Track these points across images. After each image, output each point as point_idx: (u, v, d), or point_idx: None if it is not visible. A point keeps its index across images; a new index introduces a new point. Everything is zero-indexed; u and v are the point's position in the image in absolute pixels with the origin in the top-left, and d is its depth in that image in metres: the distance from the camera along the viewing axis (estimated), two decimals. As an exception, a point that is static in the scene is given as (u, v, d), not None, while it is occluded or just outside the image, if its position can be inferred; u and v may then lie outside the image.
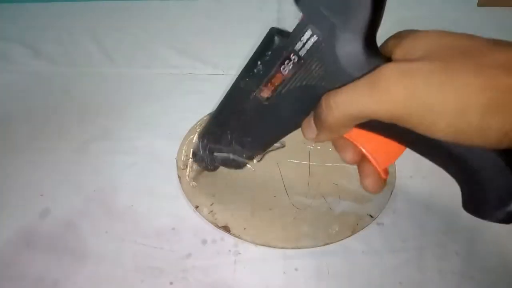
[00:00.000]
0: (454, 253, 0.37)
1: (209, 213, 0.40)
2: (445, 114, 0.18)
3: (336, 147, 0.27)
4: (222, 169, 0.45)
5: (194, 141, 0.40)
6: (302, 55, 0.24)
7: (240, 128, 0.31)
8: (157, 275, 0.36)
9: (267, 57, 0.26)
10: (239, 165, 0.36)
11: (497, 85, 0.18)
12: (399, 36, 0.23)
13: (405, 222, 0.40)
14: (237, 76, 0.29)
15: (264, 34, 0.26)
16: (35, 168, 0.45)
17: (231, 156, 0.34)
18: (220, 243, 0.38)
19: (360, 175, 0.26)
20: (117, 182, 0.44)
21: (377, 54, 0.23)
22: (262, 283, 0.36)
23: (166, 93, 0.55)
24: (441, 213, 0.40)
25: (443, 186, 0.41)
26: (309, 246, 0.37)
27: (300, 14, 0.23)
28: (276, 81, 0.26)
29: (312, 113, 0.25)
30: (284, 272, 0.36)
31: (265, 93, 0.27)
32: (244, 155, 0.34)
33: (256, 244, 0.38)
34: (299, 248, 0.37)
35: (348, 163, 0.27)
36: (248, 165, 0.36)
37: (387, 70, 0.20)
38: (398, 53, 0.22)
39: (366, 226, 0.39)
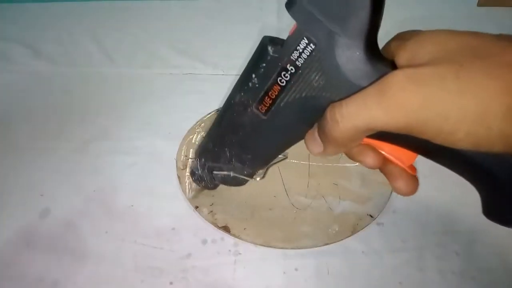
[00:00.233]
0: (454, 253, 0.37)
1: (209, 213, 0.40)
2: (464, 121, 0.17)
3: (350, 155, 0.25)
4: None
5: (187, 159, 0.39)
6: (300, 65, 0.22)
7: (239, 144, 0.30)
8: (157, 275, 0.36)
9: (262, 69, 0.24)
10: (240, 183, 0.34)
11: None
12: (402, 38, 0.22)
13: (405, 222, 0.40)
14: (232, 89, 0.28)
15: (264, 34, 0.25)
16: (35, 168, 0.45)
17: (232, 174, 0.33)
18: (220, 243, 0.38)
19: (389, 180, 0.24)
20: (117, 182, 0.44)
21: (380, 59, 0.21)
22: (262, 283, 0.36)
23: (166, 93, 0.55)
24: (441, 213, 0.40)
25: (443, 186, 0.41)
26: (309, 246, 0.37)
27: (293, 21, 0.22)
28: (274, 93, 0.24)
29: (316, 126, 0.24)
30: (284, 272, 0.36)
31: (263, 107, 0.25)
32: (245, 172, 0.33)
33: (256, 244, 0.38)
34: (299, 248, 0.37)
35: (370, 167, 0.24)
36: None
37: (396, 78, 0.18)
38: (402, 56, 0.21)
39: (366, 226, 0.39)
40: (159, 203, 0.42)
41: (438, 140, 0.18)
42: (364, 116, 0.19)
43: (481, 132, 0.17)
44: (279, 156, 0.32)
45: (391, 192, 0.42)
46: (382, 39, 0.23)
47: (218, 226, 0.39)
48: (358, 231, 0.38)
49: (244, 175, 0.33)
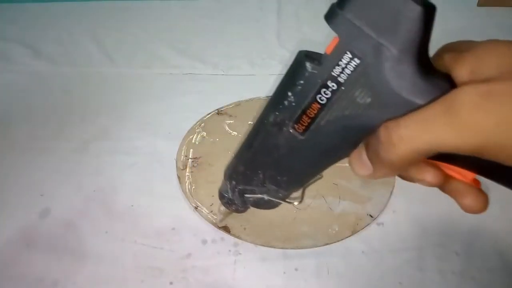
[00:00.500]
0: (454, 253, 0.37)
1: (209, 213, 0.40)
2: None
3: (406, 176, 0.22)
4: (220, 168, 0.45)
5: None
6: (342, 81, 0.21)
7: (274, 166, 0.28)
8: (157, 275, 0.36)
9: (299, 87, 0.22)
10: (274, 206, 0.32)
11: None
12: (455, 49, 0.20)
13: (405, 222, 0.40)
14: (263, 109, 0.26)
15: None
16: (35, 168, 0.45)
17: (266, 197, 0.31)
18: (220, 243, 0.38)
19: (455, 198, 0.22)
20: (117, 182, 0.44)
21: (434, 73, 0.20)
22: (262, 283, 0.36)
23: (166, 93, 0.55)
24: (441, 213, 0.40)
25: (443, 186, 0.41)
26: (309, 246, 0.37)
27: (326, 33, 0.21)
28: (312, 112, 0.22)
29: (362, 146, 0.22)
30: (284, 272, 0.36)
31: (300, 126, 0.24)
32: (279, 195, 0.30)
33: (256, 244, 0.38)
34: (299, 248, 0.37)
35: (431, 185, 0.22)
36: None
37: (467, 95, 0.17)
38: (461, 70, 0.19)
39: (366, 226, 0.39)
40: (159, 203, 0.42)
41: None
42: (428, 138, 0.18)
43: None
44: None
45: (391, 192, 0.42)
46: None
47: (218, 226, 0.39)
48: (358, 231, 0.38)
49: (279, 198, 0.31)
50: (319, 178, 0.30)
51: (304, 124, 0.23)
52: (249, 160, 0.29)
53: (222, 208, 0.36)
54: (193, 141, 0.48)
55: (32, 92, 0.56)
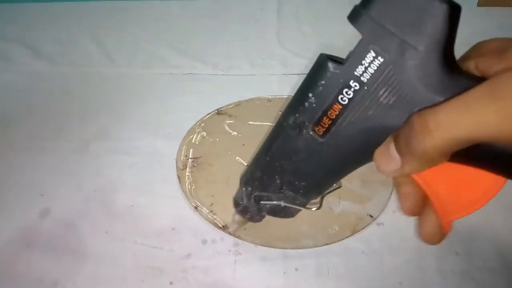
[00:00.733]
0: (454, 253, 0.37)
1: (209, 213, 0.40)
2: None
3: (398, 189, 0.22)
4: (220, 168, 0.45)
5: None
6: (365, 80, 0.20)
7: (292, 171, 0.27)
8: (157, 275, 0.36)
9: (321, 87, 0.22)
10: (291, 213, 0.32)
11: None
12: (492, 51, 0.20)
13: (405, 222, 0.40)
14: (282, 112, 0.26)
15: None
16: (35, 168, 0.45)
17: (283, 204, 0.30)
18: (220, 243, 0.38)
19: (420, 223, 0.23)
20: (117, 182, 0.44)
21: (460, 71, 0.20)
22: (262, 283, 0.36)
23: (166, 93, 0.55)
24: (441, 213, 0.40)
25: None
26: (309, 246, 0.37)
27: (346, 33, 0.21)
28: (334, 113, 0.22)
29: (388, 141, 0.21)
30: (284, 272, 0.36)
31: (320, 128, 0.23)
32: (297, 202, 0.30)
33: (256, 244, 0.38)
34: (299, 248, 0.37)
35: (404, 212, 0.22)
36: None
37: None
38: (500, 67, 0.18)
39: (366, 226, 0.39)
40: (159, 203, 0.42)
41: None
42: (469, 123, 0.17)
43: None
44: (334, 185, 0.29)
45: (391, 192, 0.42)
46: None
47: (218, 226, 0.39)
48: (358, 231, 0.38)
49: (297, 205, 0.30)
50: (338, 187, 0.30)
51: (325, 126, 0.23)
52: (267, 165, 0.28)
53: (237, 216, 0.35)
54: (193, 141, 0.48)
55: (32, 92, 0.56)
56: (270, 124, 0.50)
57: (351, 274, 0.36)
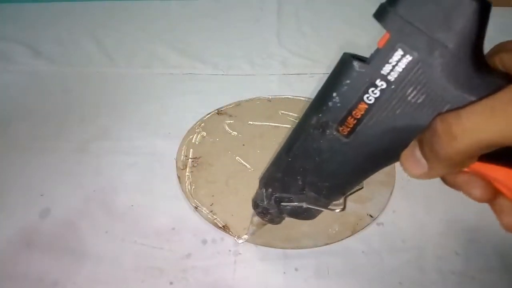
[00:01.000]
0: (454, 253, 0.37)
1: (209, 213, 0.40)
2: None
3: (453, 183, 0.22)
4: (220, 168, 0.45)
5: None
6: (393, 79, 0.20)
7: (315, 172, 0.26)
8: (157, 275, 0.36)
9: (346, 87, 0.21)
10: (313, 215, 0.31)
11: None
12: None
13: (405, 222, 0.40)
14: (303, 113, 0.25)
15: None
16: (35, 168, 0.45)
17: (305, 205, 0.29)
18: (220, 243, 0.38)
19: (496, 214, 0.21)
20: (117, 182, 0.44)
21: (490, 70, 0.20)
22: (262, 283, 0.36)
23: (166, 93, 0.55)
24: (441, 213, 0.40)
25: (443, 186, 0.41)
26: (309, 246, 0.37)
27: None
28: (359, 113, 0.22)
29: (414, 143, 0.21)
30: (284, 272, 0.36)
31: (345, 128, 0.23)
32: (319, 203, 0.29)
33: (256, 244, 0.38)
34: (299, 248, 0.37)
35: (477, 200, 0.21)
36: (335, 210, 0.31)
37: None
38: None
39: (366, 226, 0.39)
40: (159, 203, 0.42)
41: None
42: (494, 128, 0.16)
43: None
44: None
45: (391, 192, 0.42)
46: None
47: (218, 226, 0.39)
48: (358, 231, 0.38)
49: (319, 206, 0.29)
50: (360, 188, 0.29)
51: (350, 125, 0.22)
52: (288, 165, 0.28)
53: (256, 219, 0.35)
54: (193, 141, 0.48)
55: (32, 92, 0.56)
56: (270, 124, 0.50)
57: (351, 274, 0.36)
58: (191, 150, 0.46)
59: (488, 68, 0.20)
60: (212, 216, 0.40)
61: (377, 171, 0.25)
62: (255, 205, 0.33)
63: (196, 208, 0.41)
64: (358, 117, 0.22)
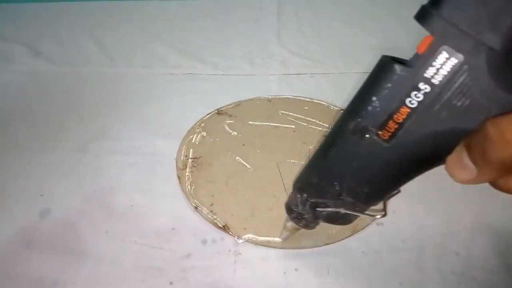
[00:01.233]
0: (454, 253, 0.37)
1: (209, 213, 0.40)
2: None
3: (507, 187, 0.21)
4: (220, 168, 0.45)
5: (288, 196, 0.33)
6: (437, 82, 0.20)
7: (353, 177, 0.26)
8: (157, 275, 0.36)
9: (386, 90, 0.21)
10: (350, 220, 0.30)
11: None
12: None
13: (405, 222, 0.40)
14: (340, 117, 0.25)
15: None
16: (35, 168, 0.45)
17: (342, 210, 0.29)
18: (220, 243, 0.38)
19: None
20: (117, 182, 0.44)
21: None
22: (262, 283, 0.36)
23: (166, 93, 0.55)
24: (441, 213, 0.40)
25: (443, 186, 0.41)
26: (309, 246, 0.37)
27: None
28: (401, 117, 0.21)
29: (461, 148, 0.20)
30: (284, 272, 0.36)
31: (385, 133, 0.22)
32: (357, 208, 0.28)
33: (256, 244, 0.38)
34: (299, 248, 0.37)
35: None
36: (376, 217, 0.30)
37: None
38: None
39: (366, 226, 0.39)
40: (159, 203, 0.42)
41: None
42: None
43: None
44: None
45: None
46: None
47: (218, 226, 0.39)
48: (358, 231, 0.38)
49: (357, 211, 0.29)
50: (398, 193, 0.29)
51: (391, 130, 0.22)
52: (325, 170, 0.27)
53: (289, 224, 0.34)
54: (193, 141, 0.48)
55: (32, 92, 0.56)
56: (270, 124, 0.50)
57: (351, 274, 0.36)
58: (191, 150, 0.46)
59: None
60: (212, 216, 0.40)
61: (418, 175, 0.24)
62: (289, 210, 0.33)
63: (196, 208, 0.41)
64: (400, 121, 0.21)
